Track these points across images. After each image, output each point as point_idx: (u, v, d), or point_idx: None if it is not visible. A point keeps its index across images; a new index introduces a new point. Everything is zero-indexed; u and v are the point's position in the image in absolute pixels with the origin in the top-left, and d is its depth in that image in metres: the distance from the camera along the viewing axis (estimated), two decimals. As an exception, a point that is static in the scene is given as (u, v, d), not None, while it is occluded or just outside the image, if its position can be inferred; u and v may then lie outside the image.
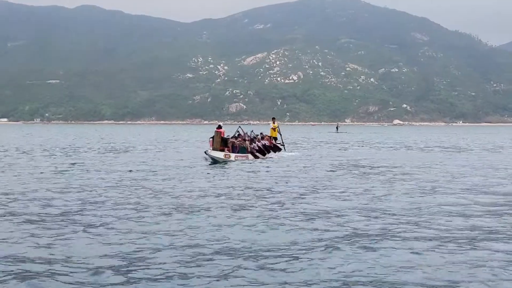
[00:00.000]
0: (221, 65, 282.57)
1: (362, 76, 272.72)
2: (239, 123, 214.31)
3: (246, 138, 26.48)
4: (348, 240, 8.51)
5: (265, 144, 27.95)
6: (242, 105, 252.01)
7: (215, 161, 23.84)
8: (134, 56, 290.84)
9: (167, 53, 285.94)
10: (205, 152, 24.89)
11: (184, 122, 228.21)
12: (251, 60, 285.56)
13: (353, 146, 42.21)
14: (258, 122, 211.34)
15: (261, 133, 29.22)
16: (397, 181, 16.52)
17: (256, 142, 27.15)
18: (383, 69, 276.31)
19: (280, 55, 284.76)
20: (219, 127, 25.92)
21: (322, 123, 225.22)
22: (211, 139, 26.00)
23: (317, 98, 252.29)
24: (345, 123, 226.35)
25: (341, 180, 16.86)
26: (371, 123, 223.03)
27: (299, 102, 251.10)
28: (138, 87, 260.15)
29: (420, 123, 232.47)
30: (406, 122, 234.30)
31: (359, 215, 10.65)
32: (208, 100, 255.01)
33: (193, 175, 18.33)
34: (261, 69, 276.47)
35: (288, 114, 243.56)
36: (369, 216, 10.52)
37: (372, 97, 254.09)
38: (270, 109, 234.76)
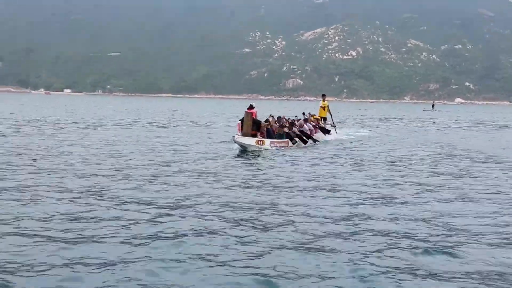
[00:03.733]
0: (279, 40, 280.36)
1: (423, 53, 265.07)
2: (296, 99, 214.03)
3: (284, 122, 22.24)
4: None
5: (310, 128, 24.14)
6: (299, 81, 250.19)
7: (245, 149, 19.29)
8: (192, 30, 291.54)
9: (224, 28, 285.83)
10: (233, 138, 20.11)
11: (241, 97, 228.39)
12: (309, 35, 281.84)
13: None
14: (314, 98, 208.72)
15: (309, 113, 26.34)
16: None
17: (297, 126, 22.88)
18: (446, 45, 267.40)
19: (339, 30, 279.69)
20: (251, 107, 21.31)
21: (381, 100, 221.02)
22: (240, 121, 21.06)
23: (376, 75, 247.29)
24: (404, 101, 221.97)
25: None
26: (431, 101, 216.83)
27: (358, 79, 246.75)
28: (196, 61, 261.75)
29: (483, 102, 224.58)
30: (468, 101, 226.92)
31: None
32: (265, 75, 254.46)
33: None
34: (319, 45, 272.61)
35: (345, 90, 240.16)
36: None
37: (433, 74, 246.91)
38: (328, 85, 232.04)
